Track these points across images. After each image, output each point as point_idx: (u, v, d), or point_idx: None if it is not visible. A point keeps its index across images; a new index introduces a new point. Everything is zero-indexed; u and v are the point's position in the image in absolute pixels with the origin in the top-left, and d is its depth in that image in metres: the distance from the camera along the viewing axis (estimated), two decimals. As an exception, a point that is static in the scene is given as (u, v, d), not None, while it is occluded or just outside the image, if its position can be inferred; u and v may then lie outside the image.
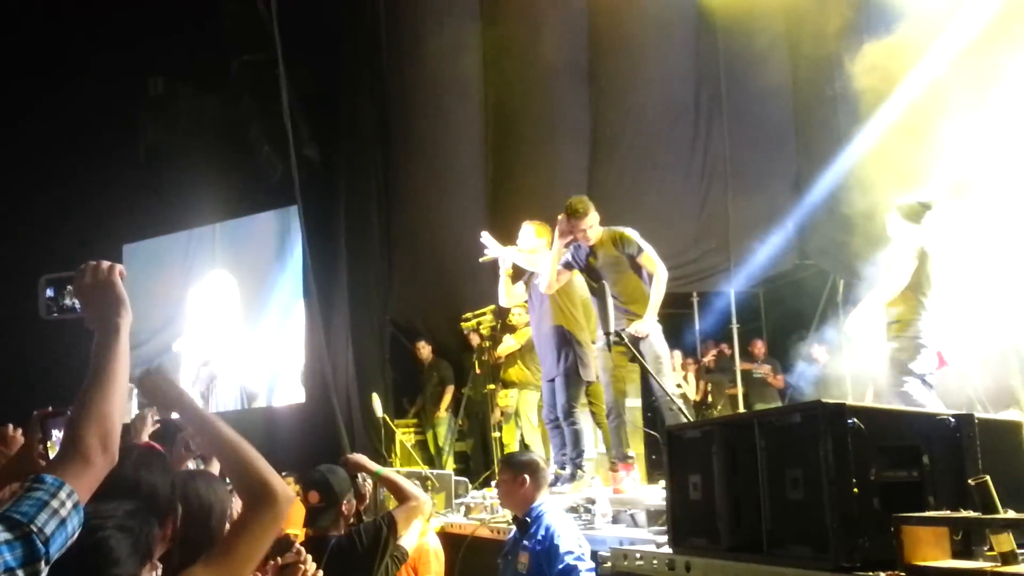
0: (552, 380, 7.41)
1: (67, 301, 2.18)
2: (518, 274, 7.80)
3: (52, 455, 2.12)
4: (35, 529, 1.63)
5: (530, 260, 7.47)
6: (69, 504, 1.71)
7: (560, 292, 7.29)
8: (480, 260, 7.96)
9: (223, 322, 14.97)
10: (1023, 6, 8.26)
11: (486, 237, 7.63)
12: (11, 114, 14.31)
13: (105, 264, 2.09)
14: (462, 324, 10.60)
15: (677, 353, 12.53)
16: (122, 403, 1.98)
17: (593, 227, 6.98)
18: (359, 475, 4.68)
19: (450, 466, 10.16)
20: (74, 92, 14.40)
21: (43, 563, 1.63)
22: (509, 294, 7.79)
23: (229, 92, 15.06)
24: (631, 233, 7.05)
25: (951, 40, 8.99)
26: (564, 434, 7.28)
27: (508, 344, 9.55)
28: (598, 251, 7.04)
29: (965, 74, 8.56)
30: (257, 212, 15.07)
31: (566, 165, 12.08)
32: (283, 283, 14.53)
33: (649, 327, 6.66)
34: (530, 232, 7.60)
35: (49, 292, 2.20)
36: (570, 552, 4.56)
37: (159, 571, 1.98)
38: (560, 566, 4.53)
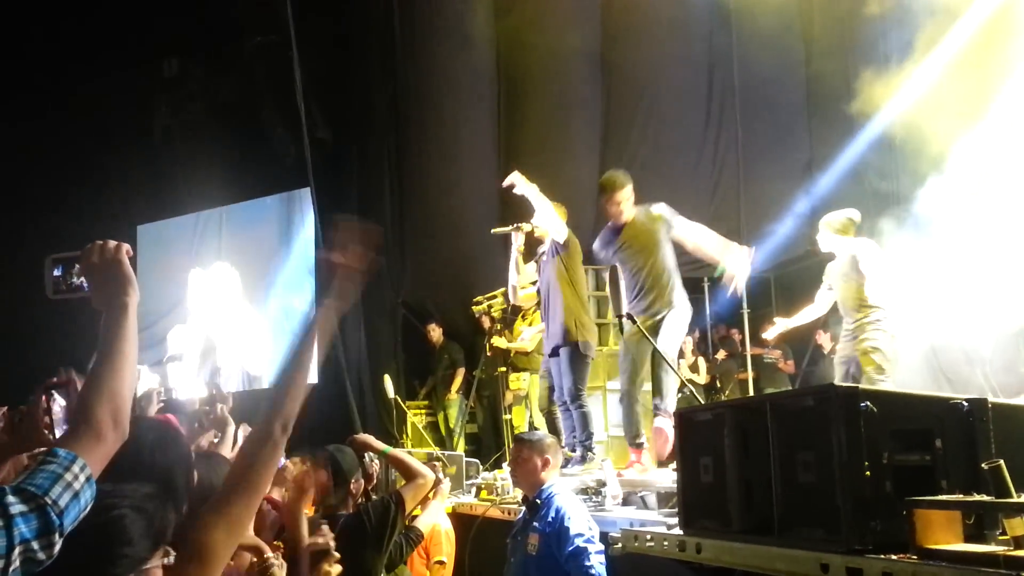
0: (554, 354, 7.36)
1: (74, 280, 2.19)
2: (529, 253, 7.77)
3: (56, 427, 2.14)
4: (49, 502, 1.65)
5: (546, 206, 7.31)
6: (82, 477, 1.73)
7: (569, 270, 7.28)
8: (493, 231, 7.92)
9: (225, 310, 14.98)
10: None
11: (514, 175, 7.38)
12: (26, 95, 14.34)
13: (112, 243, 2.09)
14: (473, 307, 10.62)
15: (688, 338, 12.54)
16: (132, 380, 2.00)
17: (627, 202, 6.93)
18: (366, 455, 4.72)
19: (461, 448, 10.20)
20: (89, 73, 14.41)
21: (57, 535, 1.65)
22: (521, 271, 7.74)
23: (242, 74, 15.05)
24: (659, 210, 7.04)
25: (960, 34, 8.98)
26: (572, 416, 7.28)
27: (522, 342, 9.60)
28: (629, 230, 6.98)
29: (975, 59, 8.54)
30: (269, 194, 15.07)
31: (579, 150, 12.08)
32: (292, 264, 14.54)
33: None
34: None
35: (56, 272, 2.21)
36: (580, 534, 4.57)
37: (172, 557, 1.99)
38: (570, 548, 4.54)
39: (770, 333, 8.39)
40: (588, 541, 4.56)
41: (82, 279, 2.16)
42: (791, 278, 12.24)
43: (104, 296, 2.06)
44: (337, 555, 3.55)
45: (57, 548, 1.66)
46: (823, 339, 11.26)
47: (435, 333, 11.76)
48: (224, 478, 2.32)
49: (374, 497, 4.95)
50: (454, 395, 11.19)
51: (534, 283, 8.01)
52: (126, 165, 15.13)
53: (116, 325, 2.02)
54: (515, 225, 7.58)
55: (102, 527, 1.84)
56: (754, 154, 12.22)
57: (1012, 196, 7.60)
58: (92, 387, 1.92)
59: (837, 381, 6.82)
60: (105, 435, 1.86)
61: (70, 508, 1.68)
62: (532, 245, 7.77)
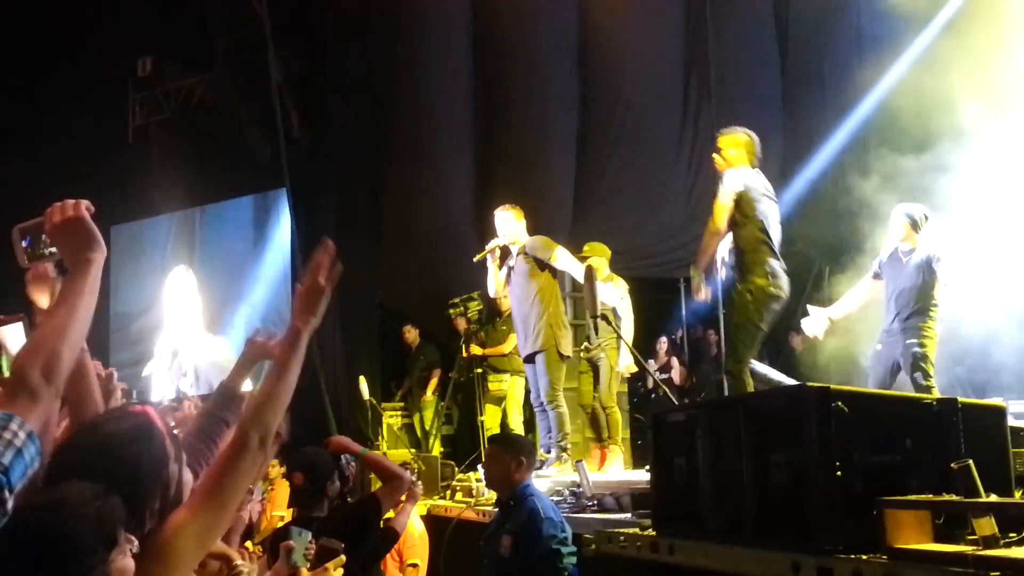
0: (530, 361, 7.48)
1: (44, 249, 2.18)
2: (501, 260, 7.87)
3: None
4: None
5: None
6: (22, 434, 1.69)
7: (545, 273, 7.38)
8: (476, 259, 8.03)
9: (196, 312, 14.91)
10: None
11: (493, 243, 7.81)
12: (-2, 92, 14.22)
13: (71, 201, 2.08)
14: (449, 310, 10.60)
15: (663, 339, 12.57)
16: (75, 337, 1.97)
17: None
18: (343, 457, 4.69)
19: (437, 450, 10.17)
20: (62, 71, 14.28)
21: (6, 491, 1.62)
22: (498, 283, 7.86)
23: (218, 73, 14.97)
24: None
25: (932, 31, 9.06)
26: (548, 417, 7.32)
27: (499, 347, 9.63)
28: None
29: (949, 58, 8.61)
30: (244, 195, 15.00)
31: (555, 149, 12.07)
32: (267, 266, 14.47)
33: None
34: (508, 217, 7.67)
35: (24, 242, 2.20)
36: (553, 536, 4.56)
37: (135, 545, 1.93)
38: (542, 550, 4.53)
39: (814, 327, 7.23)
40: (561, 543, 4.55)
41: (50, 244, 2.15)
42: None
43: (70, 254, 2.04)
44: (343, 557, 3.55)
45: (10, 505, 1.63)
46: (794, 340, 11.28)
47: (411, 334, 11.71)
48: (199, 484, 2.28)
49: (350, 500, 4.93)
50: (430, 396, 11.14)
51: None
52: (99, 165, 14.99)
53: (73, 281, 2.02)
54: (491, 244, 7.76)
55: (50, 541, 1.79)
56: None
57: (991, 200, 7.68)
58: (30, 343, 1.92)
59: (873, 386, 6.67)
60: (37, 391, 1.83)
61: (15, 465, 1.64)
62: (504, 254, 7.88)
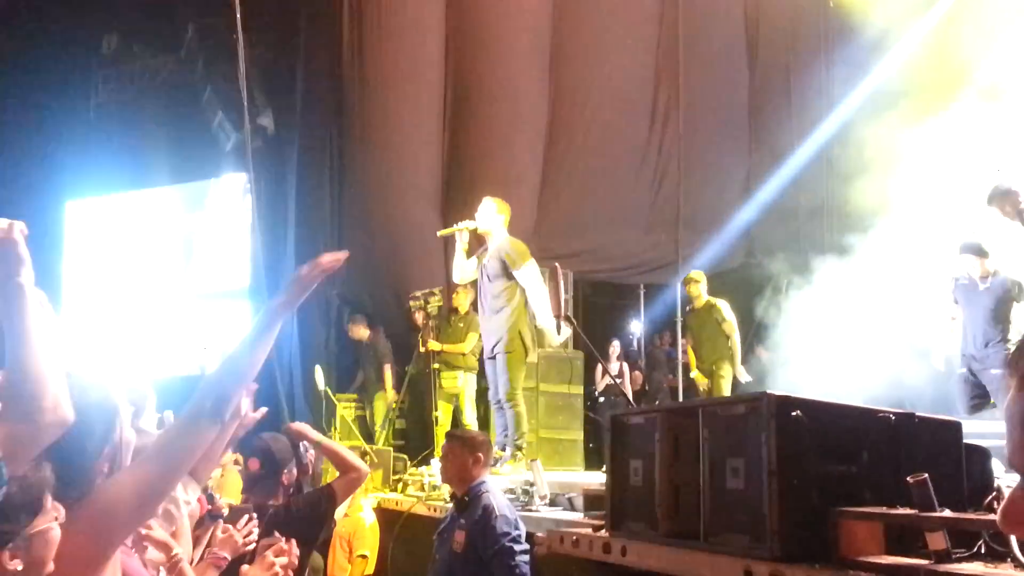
0: (492, 358, 7.46)
1: None
2: (471, 250, 7.81)
3: None
4: None
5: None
6: None
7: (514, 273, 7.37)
8: (439, 234, 7.96)
9: (149, 292, 14.79)
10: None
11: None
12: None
13: (4, 222, 2.01)
14: (410, 303, 10.54)
15: (616, 343, 12.61)
16: (50, 357, 1.95)
17: None
18: (301, 444, 4.63)
19: (383, 442, 10.11)
20: (25, 45, 14.06)
21: None
22: (461, 269, 7.77)
23: (184, 55, 14.79)
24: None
25: (900, 54, 9.21)
26: (506, 416, 7.32)
27: (460, 346, 9.59)
28: None
29: (915, 78, 8.76)
30: (205, 178, 14.87)
31: (522, 148, 12.08)
32: (225, 249, 14.37)
33: None
34: (491, 208, 7.58)
35: None
36: (506, 533, 4.55)
37: (62, 513, 1.90)
38: (495, 547, 4.52)
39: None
40: (514, 541, 4.55)
41: None
42: (726, 288, 12.41)
43: None
44: (284, 547, 3.48)
45: None
46: (759, 350, 11.39)
47: (358, 331, 11.44)
48: (150, 445, 2.25)
49: (306, 489, 4.85)
50: (381, 390, 11.04)
51: (474, 282, 8.03)
52: (59, 140, 14.79)
53: (16, 307, 1.95)
54: (461, 225, 7.63)
55: None
56: (695, 166, 12.36)
57: (950, 215, 7.79)
58: (13, 374, 1.88)
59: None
60: (34, 418, 1.82)
61: None
62: (475, 242, 7.81)
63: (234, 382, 2.26)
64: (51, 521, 1.83)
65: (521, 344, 7.32)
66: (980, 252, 7.03)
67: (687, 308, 10.39)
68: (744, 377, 9.53)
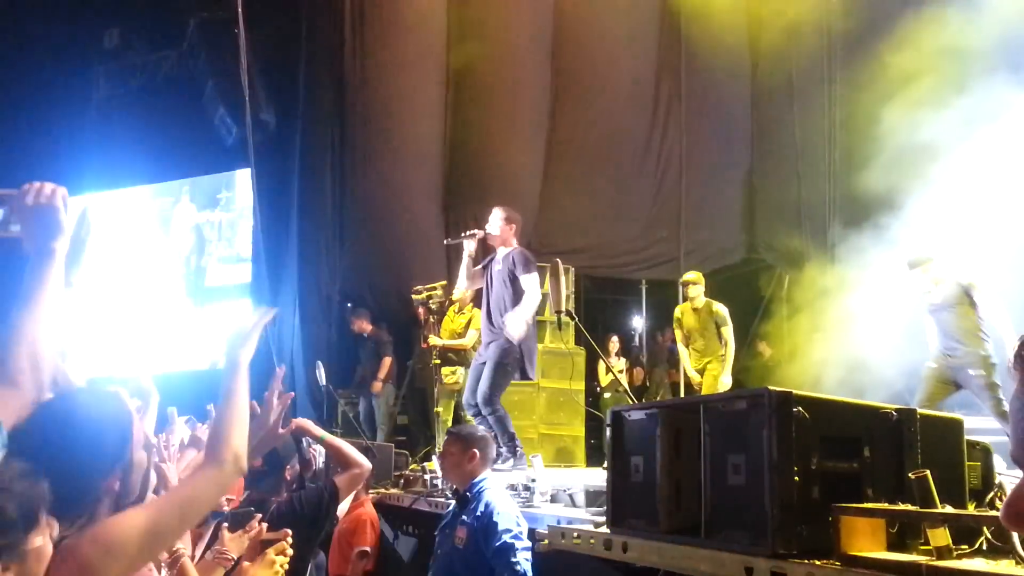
0: (483, 363, 7.36)
1: (8, 224, 2.12)
2: (478, 259, 7.77)
3: None
4: None
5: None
6: None
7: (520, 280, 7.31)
8: (447, 242, 7.91)
9: (148, 289, 14.78)
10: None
11: None
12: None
13: (49, 186, 2.02)
14: (413, 296, 10.53)
15: (615, 338, 12.60)
16: (51, 328, 1.94)
17: None
18: (303, 440, 4.62)
19: (380, 437, 10.11)
20: (26, 40, 14.05)
21: None
22: (470, 277, 7.73)
23: (186, 50, 14.78)
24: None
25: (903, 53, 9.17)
26: (488, 422, 7.23)
27: (461, 341, 9.57)
28: None
29: (916, 76, 8.73)
30: (207, 173, 14.85)
31: (524, 145, 12.07)
32: (226, 245, 14.36)
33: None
34: (501, 217, 7.52)
35: None
36: (508, 530, 4.55)
37: (55, 529, 1.87)
38: (497, 543, 4.52)
39: None
40: (516, 537, 4.55)
41: (14, 221, 2.09)
42: (727, 284, 12.42)
43: (34, 240, 1.99)
44: (284, 544, 3.46)
45: None
46: (761, 346, 11.39)
47: (360, 325, 11.45)
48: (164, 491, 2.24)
49: (309, 485, 4.83)
50: (381, 385, 11.03)
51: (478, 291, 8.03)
52: (59, 134, 14.79)
53: (41, 271, 1.97)
54: (469, 233, 7.61)
55: None
56: (697, 162, 12.35)
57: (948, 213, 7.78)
58: (10, 333, 1.87)
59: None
60: (22, 385, 1.79)
61: None
62: (481, 251, 7.78)
63: (240, 428, 2.25)
64: (45, 536, 1.80)
65: (518, 360, 7.24)
66: (920, 263, 7.17)
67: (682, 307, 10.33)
68: (727, 382, 9.43)
